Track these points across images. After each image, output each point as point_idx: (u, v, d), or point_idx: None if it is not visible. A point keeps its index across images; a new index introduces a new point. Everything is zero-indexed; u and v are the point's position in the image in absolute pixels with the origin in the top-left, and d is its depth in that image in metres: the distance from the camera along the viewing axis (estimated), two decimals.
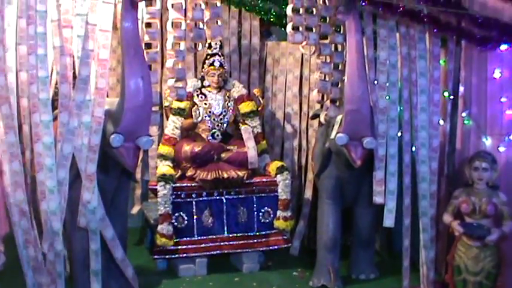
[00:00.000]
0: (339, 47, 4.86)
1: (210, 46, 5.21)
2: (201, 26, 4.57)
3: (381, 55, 4.66)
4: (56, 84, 4.34)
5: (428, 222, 4.84)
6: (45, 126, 4.03)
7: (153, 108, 4.29)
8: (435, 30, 4.68)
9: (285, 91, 5.86)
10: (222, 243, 5.08)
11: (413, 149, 4.90)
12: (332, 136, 4.74)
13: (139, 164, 5.21)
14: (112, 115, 4.18)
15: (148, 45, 4.40)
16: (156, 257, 5.02)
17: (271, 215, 5.15)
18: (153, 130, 4.79)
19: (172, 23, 4.46)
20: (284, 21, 5.15)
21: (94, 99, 4.12)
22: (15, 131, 4.05)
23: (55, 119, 4.18)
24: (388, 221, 4.73)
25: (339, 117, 4.73)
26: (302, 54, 5.63)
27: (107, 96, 4.34)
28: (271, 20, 5.70)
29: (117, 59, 5.27)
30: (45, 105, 4.03)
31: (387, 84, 4.67)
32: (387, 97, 4.68)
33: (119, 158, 4.19)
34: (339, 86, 4.80)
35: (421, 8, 4.48)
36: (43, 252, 4.18)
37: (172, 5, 4.44)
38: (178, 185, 4.94)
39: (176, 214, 4.94)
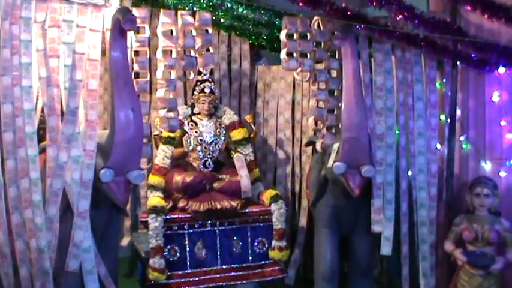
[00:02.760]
0: (334, 73, 4.74)
1: (200, 72, 5.07)
2: (192, 53, 4.45)
3: (377, 80, 4.59)
4: (41, 115, 4.19)
5: (428, 250, 4.76)
6: (31, 161, 3.90)
7: (144, 140, 4.16)
8: (431, 53, 4.61)
9: (277, 116, 5.74)
10: (216, 276, 4.89)
11: (410, 173, 4.81)
12: (329, 164, 4.62)
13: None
14: (101, 148, 4.04)
15: (138, 75, 4.28)
16: None
17: (266, 245, 4.98)
18: (144, 163, 4.61)
19: (162, 51, 4.34)
20: (275, 45, 5.12)
21: (84, 132, 3.99)
22: None
23: (40, 152, 4.03)
24: (386, 248, 4.64)
25: (336, 145, 4.62)
26: (294, 79, 5.52)
27: None
28: (262, 44, 5.62)
29: (104, 87, 5.12)
30: (31, 139, 3.90)
31: (384, 109, 4.59)
32: (384, 123, 4.60)
33: (109, 193, 4.07)
34: (335, 112, 4.69)
35: (417, 32, 4.42)
36: None
37: (162, 32, 4.31)
38: (170, 216, 4.77)
39: (168, 246, 4.76)
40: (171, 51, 4.37)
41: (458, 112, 4.85)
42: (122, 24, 3.78)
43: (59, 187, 3.95)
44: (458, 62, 4.76)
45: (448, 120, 4.83)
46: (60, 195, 3.97)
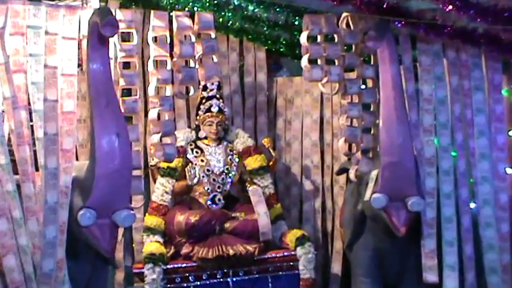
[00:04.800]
0: (370, 83, 4.59)
1: (205, 88, 4.98)
2: (191, 64, 4.33)
3: (425, 89, 4.45)
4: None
5: None
6: (12, 197, 3.76)
7: (134, 173, 4.02)
8: (494, 53, 4.44)
9: (302, 139, 5.62)
10: None
11: (473, 206, 4.64)
12: (366, 197, 4.44)
13: (120, 243, 4.92)
14: (80, 184, 3.92)
15: (126, 92, 4.20)
16: None
17: None
18: (136, 201, 4.54)
19: (154, 61, 4.23)
20: (297, 51, 4.98)
21: (59, 164, 3.85)
22: None
23: None
24: None
25: (374, 173, 4.44)
26: (322, 92, 5.36)
27: (76, 159, 4.20)
28: (281, 50, 5.55)
29: (87, 108, 4.90)
30: (7, 172, 3.77)
31: (435, 126, 4.45)
32: (435, 143, 4.45)
33: (91, 239, 3.91)
34: (372, 132, 4.53)
35: (475, 26, 4.25)
36: None
37: (155, 39, 4.21)
38: (171, 266, 4.63)
39: None
40: (166, 62, 4.25)
41: None
42: (101, 29, 3.66)
43: (54, 234, 3.79)
44: None
45: None
46: (56, 244, 3.81)
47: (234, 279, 4.73)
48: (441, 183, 4.44)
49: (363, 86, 4.61)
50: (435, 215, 4.42)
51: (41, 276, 3.78)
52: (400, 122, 4.16)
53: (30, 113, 3.88)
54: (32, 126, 3.88)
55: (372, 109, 4.55)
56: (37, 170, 3.89)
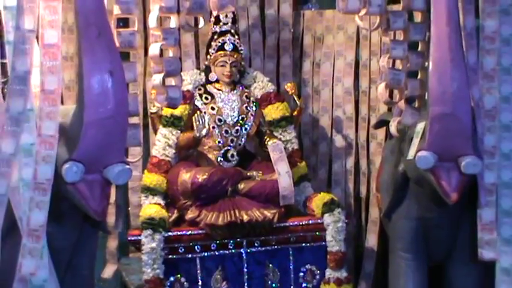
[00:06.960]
0: (418, 16, 4.50)
1: (217, 20, 4.96)
2: None
3: (487, 25, 4.28)
4: None
5: None
6: None
7: (131, 121, 3.95)
8: None
9: (333, 85, 5.61)
10: None
11: None
12: (410, 155, 4.32)
13: (113, 205, 4.84)
14: (65, 132, 3.84)
15: (122, 23, 4.15)
16: None
17: (317, 276, 4.88)
18: (133, 155, 4.60)
19: None
20: None
21: (40, 108, 3.76)
22: None
23: None
24: (504, 286, 4.37)
25: (420, 126, 4.30)
26: (358, 29, 5.40)
27: (62, 102, 4.14)
28: None
29: (75, 42, 4.90)
30: None
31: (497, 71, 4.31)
32: (497, 92, 4.32)
33: (77, 198, 3.84)
34: (419, 76, 4.43)
35: None
36: None
37: None
38: (173, 233, 4.67)
39: (171, 278, 4.67)
40: None
41: None
42: None
43: (3, 192, 3.73)
44: None
45: None
46: (4, 204, 3.75)
47: (249, 250, 4.78)
48: (500, 140, 4.32)
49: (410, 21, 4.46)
50: (496, 179, 4.32)
51: None
52: (454, 65, 4.01)
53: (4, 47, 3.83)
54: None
55: (419, 48, 4.44)
56: None
